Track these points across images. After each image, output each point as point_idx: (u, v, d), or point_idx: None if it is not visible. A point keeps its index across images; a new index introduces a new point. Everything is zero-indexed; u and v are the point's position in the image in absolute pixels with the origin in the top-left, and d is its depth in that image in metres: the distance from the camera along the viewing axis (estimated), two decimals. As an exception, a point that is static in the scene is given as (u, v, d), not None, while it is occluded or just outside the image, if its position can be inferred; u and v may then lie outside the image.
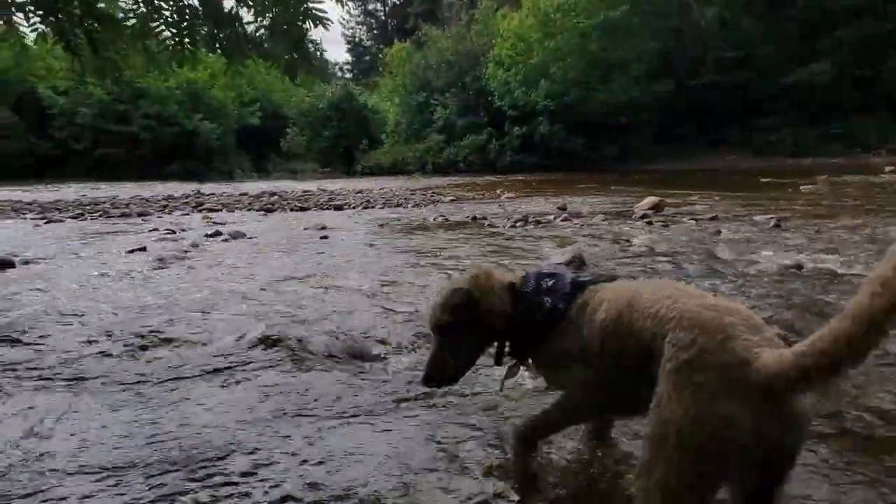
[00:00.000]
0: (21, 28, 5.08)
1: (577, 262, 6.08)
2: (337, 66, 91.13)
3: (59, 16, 5.00)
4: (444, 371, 2.00)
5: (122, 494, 2.05)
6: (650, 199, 11.51)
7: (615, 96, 35.32)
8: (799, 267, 5.63)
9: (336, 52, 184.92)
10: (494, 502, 1.96)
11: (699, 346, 1.36)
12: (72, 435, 2.52)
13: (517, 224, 9.93)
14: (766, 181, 18.89)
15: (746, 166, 29.30)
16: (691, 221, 9.59)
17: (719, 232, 8.24)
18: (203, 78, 43.19)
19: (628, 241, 7.81)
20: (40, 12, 5.01)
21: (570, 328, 1.85)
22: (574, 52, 35.74)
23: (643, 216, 10.41)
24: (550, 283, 2.01)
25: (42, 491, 2.08)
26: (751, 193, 14.63)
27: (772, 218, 9.12)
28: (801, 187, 15.30)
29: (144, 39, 5.23)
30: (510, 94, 37.38)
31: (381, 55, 54.13)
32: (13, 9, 4.91)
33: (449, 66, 42.18)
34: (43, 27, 5.11)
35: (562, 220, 10.34)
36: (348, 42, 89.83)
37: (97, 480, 2.15)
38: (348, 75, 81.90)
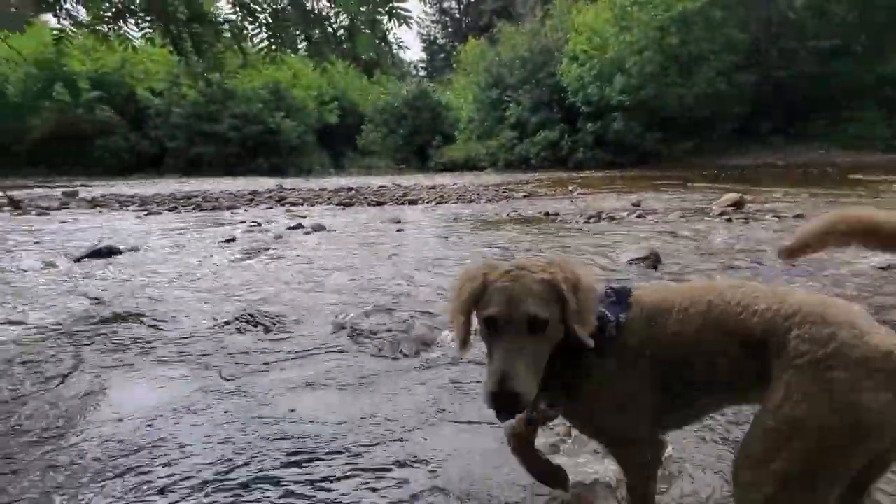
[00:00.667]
0: (132, 33, 5.60)
1: (653, 259, 6.06)
2: (412, 65, 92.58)
3: (168, 20, 5.49)
4: (529, 386, 1.45)
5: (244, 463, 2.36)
6: (730, 196, 11.13)
7: (696, 90, 34.00)
8: (893, 268, 5.35)
9: (411, 50, 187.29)
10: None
11: (839, 340, 1.34)
12: (190, 407, 2.88)
13: (590, 220, 9.89)
14: (855, 177, 17.73)
15: (836, 162, 27.46)
16: (774, 219, 9.23)
17: (805, 230, 7.87)
18: (286, 78, 45.10)
19: (706, 238, 7.64)
20: (149, 18, 5.51)
21: (627, 347, 1.59)
22: (651, 45, 34.71)
23: (722, 213, 10.09)
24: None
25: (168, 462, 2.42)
26: (840, 191, 13.82)
27: (864, 217, 8.60)
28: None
29: (241, 42, 5.66)
30: (584, 90, 36.79)
31: (455, 53, 54.54)
32: (126, 14, 5.44)
33: (523, 63, 41.98)
34: (151, 31, 5.61)
35: (636, 217, 10.20)
36: (423, 41, 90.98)
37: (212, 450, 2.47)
38: (423, 73, 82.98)
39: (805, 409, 1.34)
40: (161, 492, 2.06)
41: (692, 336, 1.54)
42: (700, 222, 9.29)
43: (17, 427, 2.59)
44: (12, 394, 2.96)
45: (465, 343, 1.61)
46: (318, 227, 9.80)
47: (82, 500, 2.03)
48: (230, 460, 2.27)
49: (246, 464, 2.24)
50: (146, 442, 2.42)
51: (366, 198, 16.26)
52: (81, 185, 25.03)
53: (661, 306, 1.60)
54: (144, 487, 2.09)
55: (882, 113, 32.67)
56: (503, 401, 1.43)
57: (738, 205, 10.79)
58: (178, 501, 2.01)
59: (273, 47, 5.27)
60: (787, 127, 35.46)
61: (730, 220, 9.38)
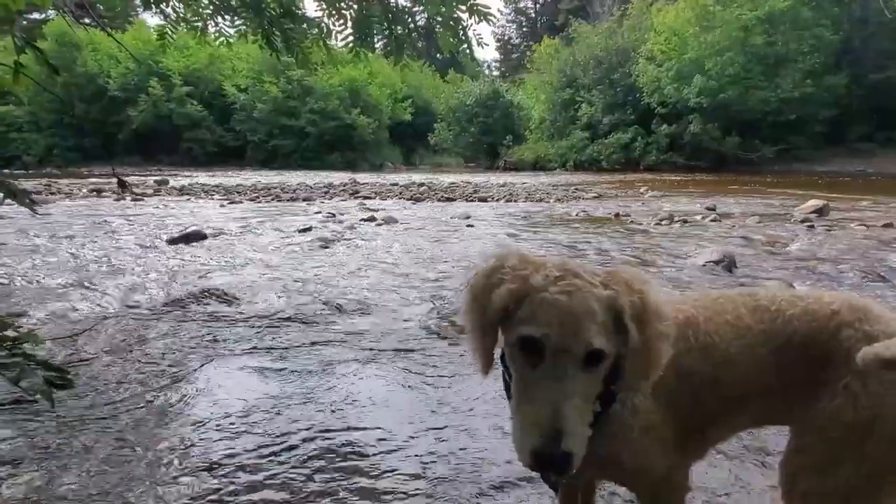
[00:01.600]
0: (226, 28, 5.98)
1: (728, 263, 5.95)
2: (485, 64, 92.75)
3: (262, 16, 5.84)
4: (582, 442, 1.14)
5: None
6: (813, 203, 10.64)
7: (781, 92, 32.32)
8: None
9: (485, 50, 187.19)
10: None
11: None
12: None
13: (662, 222, 9.72)
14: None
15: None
16: (861, 227, 8.78)
17: (894, 240, 7.49)
18: (362, 76, 46.30)
19: (785, 245, 7.39)
20: (244, 14, 5.88)
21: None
22: (734, 45, 33.28)
23: (804, 220, 9.68)
24: None
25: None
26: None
27: (961, 229, 8.10)
28: None
29: (327, 38, 5.96)
30: (660, 91, 35.73)
31: (529, 52, 54.20)
32: (223, 10, 5.83)
33: (597, 63, 41.20)
34: (245, 26, 5.98)
35: (710, 221, 9.94)
36: (498, 40, 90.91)
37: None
38: (496, 73, 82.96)
39: (879, 412, 1.30)
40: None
41: (724, 349, 1.41)
42: (779, 228, 8.97)
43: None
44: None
45: (488, 366, 1.30)
46: (391, 220, 10.10)
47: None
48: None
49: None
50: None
51: (437, 193, 16.54)
52: (171, 175, 26.74)
53: (683, 320, 1.42)
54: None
55: None
56: (552, 463, 1.10)
57: (821, 212, 10.31)
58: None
59: (359, 44, 5.52)
60: (878, 132, 33.13)
61: (812, 226, 9.01)
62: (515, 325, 1.19)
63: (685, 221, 9.87)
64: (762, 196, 15.48)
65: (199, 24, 5.74)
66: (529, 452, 1.10)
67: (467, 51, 5.07)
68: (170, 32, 5.76)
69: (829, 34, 32.65)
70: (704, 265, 5.89)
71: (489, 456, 2.24)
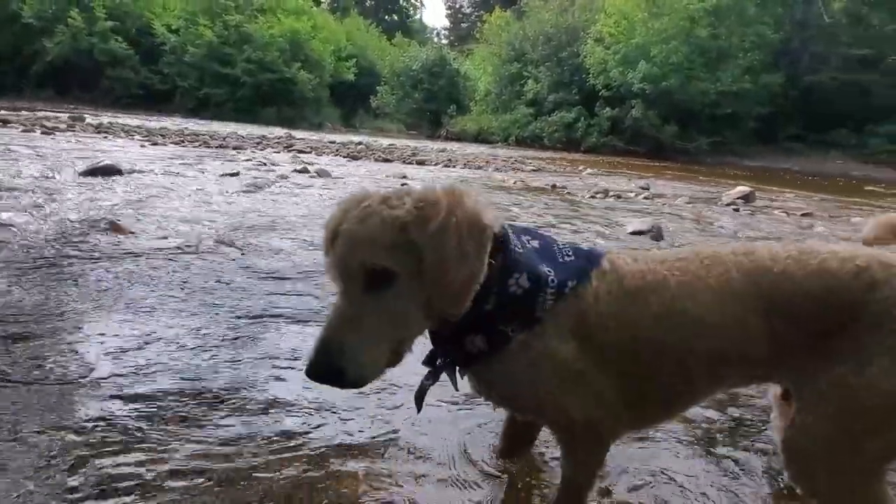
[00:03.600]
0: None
1: (656, 233, 6.02)
2: (435, 31, 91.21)
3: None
4: (361, 359, 1.18)
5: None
6: (740, 189, 11.00)
7: (720, 86, 33.41)
8: None
9: (435, 17, 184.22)
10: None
11: None
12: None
13: (596, 195, 9.79)
14: (871, 189, 17.57)
15: (858, 174, 26.99)
16: (782, 214, 9.14)
17: (811, 227, 7.83)
18: (306, 28, 44.32)
19: (711, 223, 7.58)
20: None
21: (574, 320, 1.30)
22: (680, 34, 34.02)
23: (730, 203, 9.99)
24: (536, 243, 1.37)
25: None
26: (853, 198, 13.68)
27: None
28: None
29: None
30: (605, 74, 36.18)
31: (480, 22, 53.57)
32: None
33: (547, 39, 41.17)
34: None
35: (643, 198, 10.09)
36: (449, 8, 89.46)
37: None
38: (444, 41, 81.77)
39: None
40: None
41: (698, 314, 1.31)
42: (707, 209, 9.20)
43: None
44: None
45: None
46: (324, 174, 9.70)
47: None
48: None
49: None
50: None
51: (375, 154, 16.08)
52: (89, 113, 24.78)
53: (649, 278, 1.34)
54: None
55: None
56: (323, 376, 1.16)
57: (747, 198, 10.66)
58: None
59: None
60: (807, 133, 34.91)
61: (737, 210, 9.30)
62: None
63: (619, 197, 9.99)
64: (694, 182, 15.94)
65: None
66: (305, 368, 1.17)
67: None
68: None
69: (771, 33, 33.87)
70: (632, 234, 5.95)
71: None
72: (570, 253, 1.37)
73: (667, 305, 1.31)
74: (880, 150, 31.61)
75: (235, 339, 2.52)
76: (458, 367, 1.37)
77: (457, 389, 1.43)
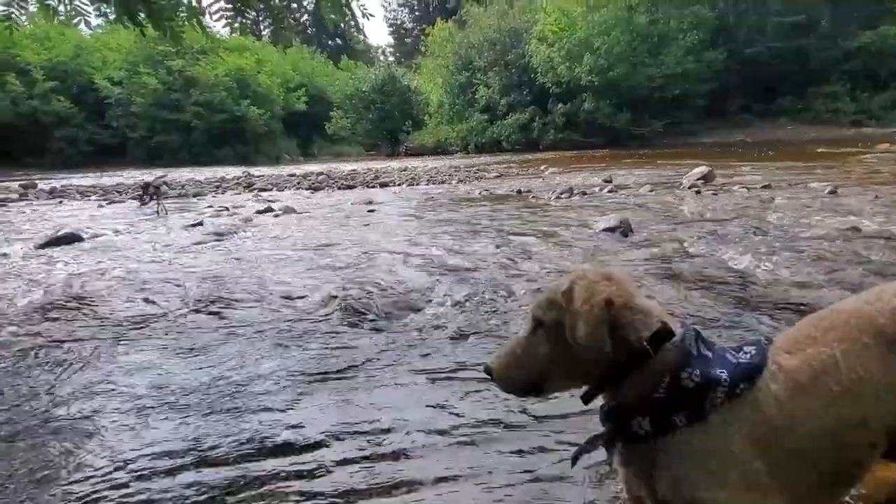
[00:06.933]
0: (81, 6, 5.29)
1: (624, 228, 6.09)
2: (380, 50, 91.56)
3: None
4: (501, 366, 1.49)
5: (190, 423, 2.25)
6: (699, 170, 11.22)
7: (665, 69, 34.19)
8: (856, 230, 5.47)
9: (378, 35, 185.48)
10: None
11: None
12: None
13: (562, 196, 9.88)
14: (822, 151, 18.13)
15: (806, 137, 27.96)
16: (743, 190, 9.35)
17: (772, 199, 8.02)
18: (250, 64, 44.05)
19: (676, 209, 7.71)
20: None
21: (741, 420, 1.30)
22: (620, 24, 34.77)
23: (692, 186, 10.19)
24: (709, 353, 1.39)
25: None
26: (807, 163, 14.09)
27: (828, 185, 8.80)
28: (861, 156, 14.65)
29: (199, 16, 5.42)
30: (553, 71, 36.73)
31: (423, 36, 53.97)
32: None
33: (491, 45, 41.70)
34: (106, 5, 5.32)
35: (607, 192, 10.23)
36: (391, 25, 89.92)
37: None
38: (391, 58, 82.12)
39: None
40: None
41: (871, 377, 1.31)
42: (670, 195, 9.36)
43: None
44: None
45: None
46: (289, 210, 9.60)
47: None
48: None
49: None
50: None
51: (336, 182, 16.02)
52: (40, 178, 24.16)
53: (806, 370, 1.33)
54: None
55: (847, 87, 33.16)
56: (487, 371, 1.51)
57: (707, 178, 10.89)
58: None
59: (232, 18, 5.06)
60: (755, 104, 35.92)
61: (699, 192, 9.48)
62: None
63: (584, 194, 10.11)
64: (654, 167, 16.24)
65: (51, 1, 5.05)
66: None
67: (352, 23, 4.78)
68: (16, 16, 5.03)
69: (707, 11, 34.83)
70: (604, 230, 6.02)
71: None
72: (741, 354, 1.38)
73: (842, 384, 1.31)
74: (823, 110, 32.71)
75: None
76: (619, 445, 1.40)
77: (610, 466, 1.65)
